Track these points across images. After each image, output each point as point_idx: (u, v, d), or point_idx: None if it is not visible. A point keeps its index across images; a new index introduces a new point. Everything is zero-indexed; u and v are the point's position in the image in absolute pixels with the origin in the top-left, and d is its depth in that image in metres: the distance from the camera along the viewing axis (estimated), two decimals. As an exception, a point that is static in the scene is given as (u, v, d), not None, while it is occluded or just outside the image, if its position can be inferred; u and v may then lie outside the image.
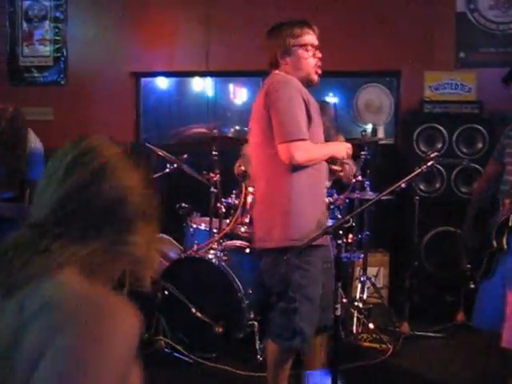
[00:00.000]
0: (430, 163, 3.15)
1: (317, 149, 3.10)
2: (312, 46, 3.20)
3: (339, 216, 4.46)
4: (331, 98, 6.94)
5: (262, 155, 3.16)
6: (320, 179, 3.19)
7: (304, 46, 3.17)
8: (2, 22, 6.34)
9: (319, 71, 3.25)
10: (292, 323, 3.03)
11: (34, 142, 4.14)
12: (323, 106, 6.32)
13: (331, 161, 3.29)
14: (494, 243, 3.36)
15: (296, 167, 3.03)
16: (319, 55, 3.22)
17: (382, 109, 5.95)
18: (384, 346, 4.48)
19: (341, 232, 4.29)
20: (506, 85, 3.56)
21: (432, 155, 3.30)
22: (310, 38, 3.21)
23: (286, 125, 2.97)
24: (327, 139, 3.44)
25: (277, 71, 3.20)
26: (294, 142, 2.95)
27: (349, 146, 3.30)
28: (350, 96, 6.21)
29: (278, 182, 3.09)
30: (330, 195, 4.54)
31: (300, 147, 2.96)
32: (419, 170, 3.14)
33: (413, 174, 3.12)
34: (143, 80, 6.55)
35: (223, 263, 4.30)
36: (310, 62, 3.18)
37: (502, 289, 3.23)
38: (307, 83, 3.21)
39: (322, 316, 3.16)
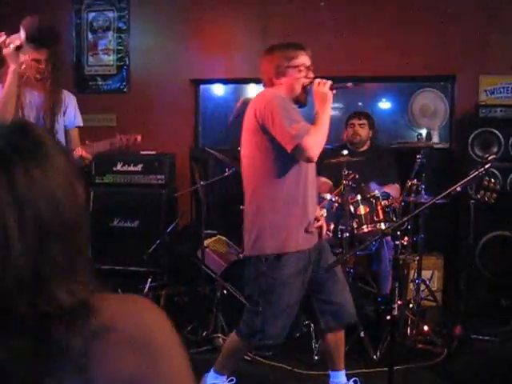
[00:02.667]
0: (487, 166, 3.20)
1: (319, 132, 3.15)
2: (304, 66, 3.30)
3: (394, 219, 4.53)
4: (385, 103, 6.97)
5: (249, 167, 3.32)
6: (298, 197, 3.28)
7: (297, 67, 3.28)
8: (68, 33, 6.57)
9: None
10: (253, 324, 3.30)
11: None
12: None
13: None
14: None
15: (276, 184, 3.21)
16: (311, 75, 3.32)
17: (436, 113, 5.97)
18: (438, 348, 4.50)
19: (398, 233, 4.39)
20: None
21: (489, 158, 3.35)
22: (303, 59, 3.31)
23: (285, 133, 3.08)
24: None
25: (269, 89, 3.35)
26: (299, 145, 3.06)
27: (320, 88, 3.24)
28: (404, 101, 6.24)
29: (258, 196, 3.27)
30: (386, 198, 4.63)
31: (308, 145, 3.06)
32: (476, 172, 3.19)
33: (470, 177, 3.17)
34: (202, 87, 6.71)
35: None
36: (303, 82, 3.29)
37: None
38: (298, 104, 3.35)
39: (327, 318, 3.46)
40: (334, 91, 3.27)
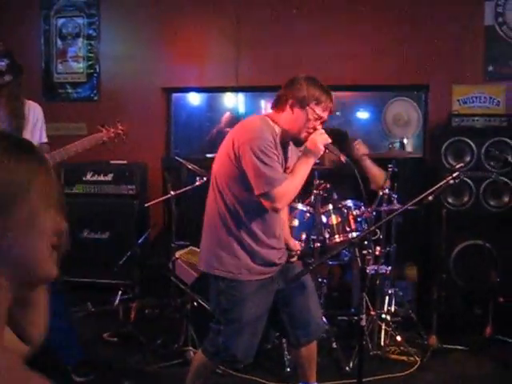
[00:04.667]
0: (455, 174, 3.18)
1: (293, 184, 3.08)
2: (321, 119, 3.19)
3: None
4: (361, 113, 6.97)
5: (216, 187, 3.21)
6: (258, 234, 3.19)
7: (316, 114, 3.15)
8: (37, 40, 6.52)
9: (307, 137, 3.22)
10: (216, 342, 3.24)
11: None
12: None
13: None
14: None
15: (236, 215, 3.13)
16: (319, 128, 3.20)
17: (410, 122, 5.95)
18: (412, 358, 4.47)
19: (366, 242, 4.35)
20: None
21: (457, 166, 3.33)
22: (325, 112, 3.19)
23: (257, 176, 3.00)
24: None
25: (273, 114, 3.23)
26: (268, 193, 2.99)
27: (318, 137, 3.15)
28: (378, 110, 6.23)
29: (221, 218, 3.17)
30: (357, 208, 4.59)
31: (277, 195, 3.00)
32: (445, 181, 3.17)
33: (438, 186, 3.15)
34: (174, 95, 6.66)
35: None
36: (309, 128, 3.17)
37: None
38: (293, 140, 3.25)
39: (298, 332, 3.38)
40: (327, 150, 3.20)
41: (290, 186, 3.06)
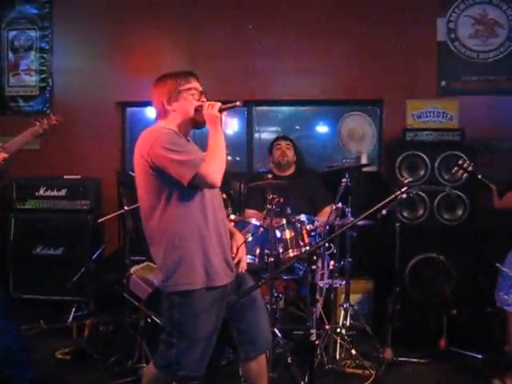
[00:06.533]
0: (403, 189, 3.20)
1: (215, 156, 3.10)
2: (196, 90, 3.26)
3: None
4: (321, 127, 6.97)
5: (147, 208, 3.19)
6: (203, 233, 3.16)
7: (189, 89, 3.23)
8: (-12, 53, 6.42)
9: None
10: (168, 355, 3.19)
11: None
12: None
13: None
14: None
15: (175, 222, 3.10)
16: (204, 99, 3.26)
17: (364, 137, 6.00)
18: (367, 372, 4.46)
19: (315, 257, 4.35)
20: None
21: (406, 181, 3.35)
22: (195, 83, 3.28)
23: (178, 166, 3.00)
24: None
25: (161, 122, 3.26)
26: (197, 174, 2.99)
27: (209, 110, 3.18)
28: (333, 125, 6.26)
29: (159, 236, 3.16)
30: (311, 222, 4.59)
31: (206, 172, 3.01)
32: (393, 195, 3.19)
33: (386, 200, 3.16)
34: (129, 109, 6.61)
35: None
36: (197, 106, 3.23)
37: None
38: (195, 126, 3.29)
39: (246, 347, 3.34)
40: (225, 112, 3.24)
41: (214, 157, 3.07)
